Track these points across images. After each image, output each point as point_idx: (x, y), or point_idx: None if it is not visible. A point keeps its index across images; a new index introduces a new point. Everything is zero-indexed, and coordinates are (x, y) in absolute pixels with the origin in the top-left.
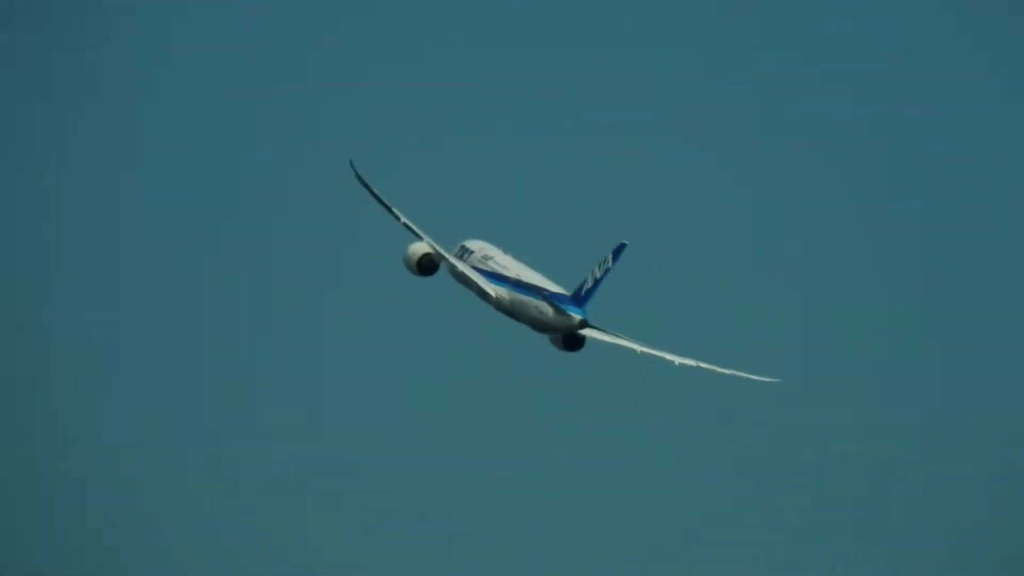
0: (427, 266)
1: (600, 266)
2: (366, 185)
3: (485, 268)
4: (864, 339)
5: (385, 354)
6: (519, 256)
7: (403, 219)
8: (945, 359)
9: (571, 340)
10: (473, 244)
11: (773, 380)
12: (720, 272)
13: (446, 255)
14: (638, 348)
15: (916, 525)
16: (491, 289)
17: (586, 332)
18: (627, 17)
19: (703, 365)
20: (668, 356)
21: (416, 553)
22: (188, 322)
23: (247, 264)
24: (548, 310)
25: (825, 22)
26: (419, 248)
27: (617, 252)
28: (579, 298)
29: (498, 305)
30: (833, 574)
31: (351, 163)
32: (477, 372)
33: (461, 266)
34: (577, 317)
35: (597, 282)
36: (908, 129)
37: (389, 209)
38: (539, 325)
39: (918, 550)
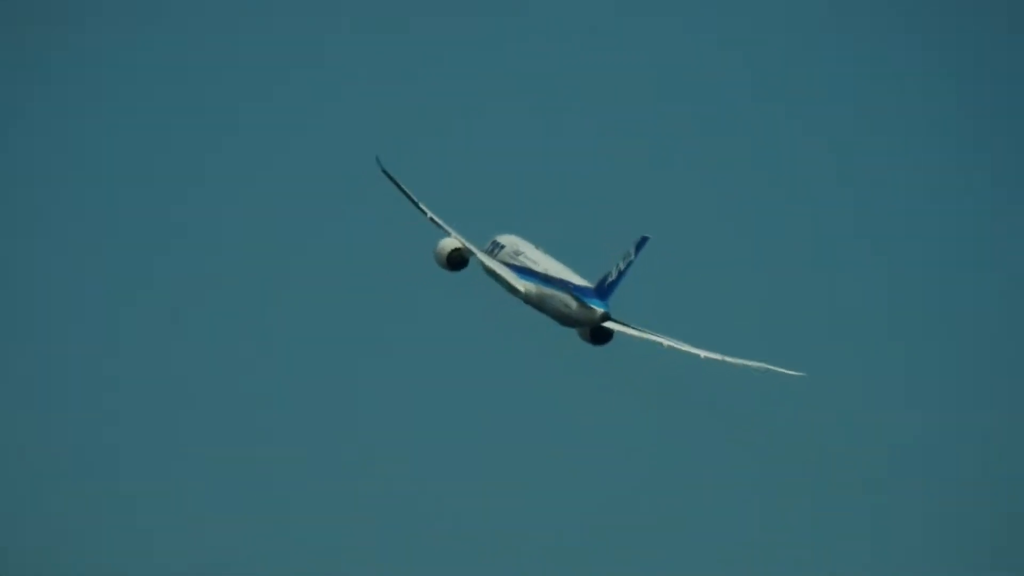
0: (457, 261)
1: (623, 259)
2: (393, 180)
3: (516, 263)
4: (885, 335)
5: (416, 348)
6: (551, 248)
7: (430, 214)
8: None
9: (599, 334)
10: (505, 239)
11: (799, 374)
12: (743, 266)
13: (475, 250)
14: (665, 342)
15: (927, 525)
16: (520, 284)
17: (610, 325)
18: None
19: (728, 359)
20: (694, 350)
21: (439, 550)
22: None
23: (274, 260)
24: (572, 303)
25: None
26: (449, 243)
27: (639, 245)
28: (602, 291)
29: (526, 299)
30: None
31: (377, 160)
32: (505, 366)
33: (489, 261)
34: (599, 310)
35: (620, 275)
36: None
37: (416, 204)
38: (564, 318)
39: (930, 551)
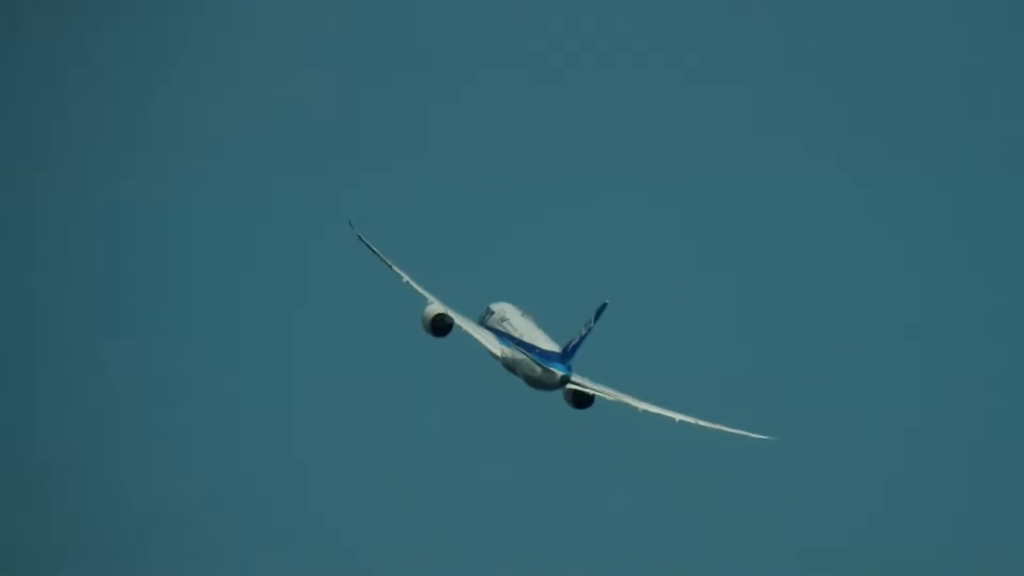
0: (441, 327)
1: (584, 326)
2: (368, 245)
3: (500, 328)
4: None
5: (403, 412)
6: (546, 308)
7: (405, 278)
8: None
9: (579, 398)
10: (496, 306)
11: (769, 438)
12: (716, 327)
13: (455, 316)
14: (639, 406)
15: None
16: (496, 349)
17: (580, 388)
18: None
19: (701, 423)
20: (669, 413)
21: None
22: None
23: (255, 317)
24: (536, 368)
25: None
26: (433, 309)
27: (599, 312)
28: (565, 356)
29: (503, 363)
30: None
31: (350, 224)
32: (483, 429)
33: (469, 327)
34: (559, 373)
35: (581, 340)
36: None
37: (391, 267)
38: (531, 381)
39: None
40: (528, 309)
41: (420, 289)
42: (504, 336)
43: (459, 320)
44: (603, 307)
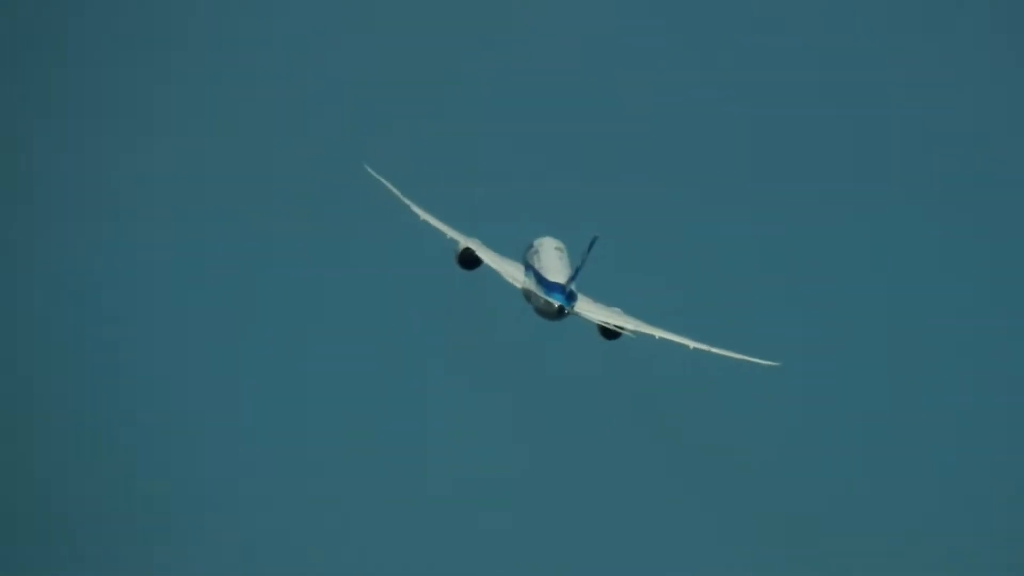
0: (469, 259)
1: (580, 258)
2: (386, 185)
3: (530, 262)
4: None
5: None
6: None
7: (423, 216)
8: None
9: (606, 331)
10: (538, 241)
11: (773, 364)
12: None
13: (478, 250)
14: (657, 334)
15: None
16: (519, 281)
17: (594, 319)
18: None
19: (714, 350)
20: (684, 340)
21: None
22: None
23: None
24: (541, 297)
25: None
26: (459, 246)
27: (591, 245)
28: (563, 287)
29: (523, 294)
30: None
31: (366, 167)
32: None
33: (491, 261)
34: (556, 303)
35: (576, 272)
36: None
37: (409, 207)
38: (539, 310)
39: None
40: (563, 243)
41: (439, 224)
42: (530, 268)
43: (483, 254)
44: (594, 240)
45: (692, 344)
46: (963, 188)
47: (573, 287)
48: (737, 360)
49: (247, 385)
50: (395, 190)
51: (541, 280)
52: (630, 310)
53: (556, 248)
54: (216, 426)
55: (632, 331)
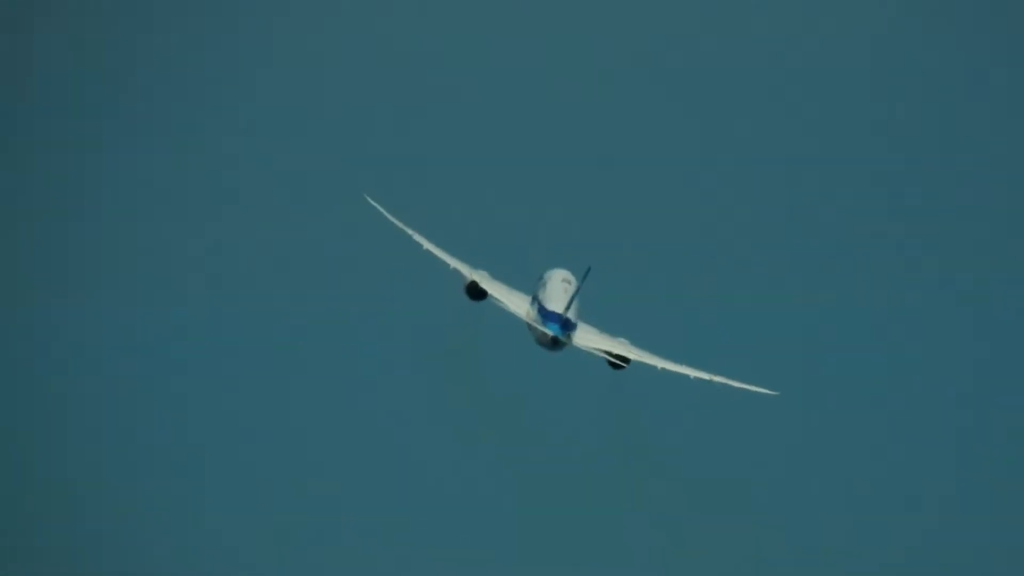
0: (475, 291)
1: (575, 288)
2: (386, 216)
3: (537, 294)
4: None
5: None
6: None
7: (426, 245)
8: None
9: (617, 359)
10: (548, 272)
11: (772, 392)
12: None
13: (482, 281)
14: (659, 364)
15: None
16: (522, 310)
17: (594, 351)
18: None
19: (716, 378)
20: (685, 370)
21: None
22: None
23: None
24: (539, 326)
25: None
26: (466, 278)
27: (584, 276)
28: (559, 317)
29: (527, 324)
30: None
31: (366, 197)
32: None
33: (498, 293)
34: (550, 333)
35: (570, 302)
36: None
37: (411, 237)
38: (537, 340)
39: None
40: (573, 276)
41: (442, 254)
42: (535, 300)
43: (488, 285)
44: (588, 271)
45: (693, 373)
46: (956, 212)
47: (570, 317)
48: (737, 389)
49: (237, 398)
50: (395, 220)
51: (541, 310)
52: (636, 340)
53: (564, 280)
54: (215, 430)
55: (617, 359)
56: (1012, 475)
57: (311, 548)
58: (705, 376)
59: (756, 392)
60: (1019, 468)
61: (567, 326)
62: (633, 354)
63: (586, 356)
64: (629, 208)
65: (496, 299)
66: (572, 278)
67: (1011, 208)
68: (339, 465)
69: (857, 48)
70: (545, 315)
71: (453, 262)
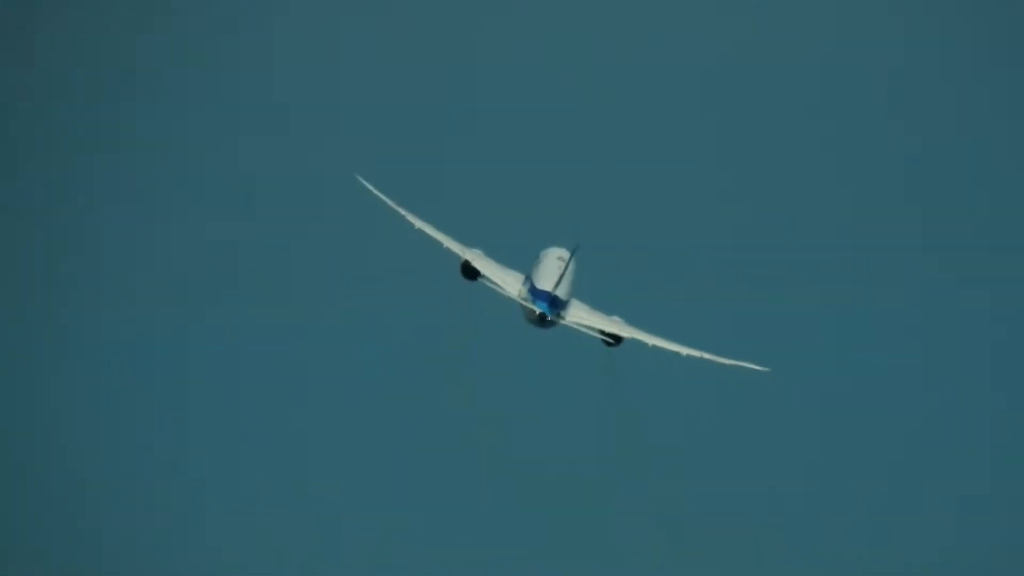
0: (470, 271)
1: (564, 265)
2: (379, 196)
3: (531, 272)
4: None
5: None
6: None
7: (418, 224)
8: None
9: (612, 337)
10: (545, 251)
11: (765, 369)
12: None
13: (474, 261)
14: (650, 341)
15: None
16: (513, 288)
17: (578, 326)
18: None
19: (706, 356)
20: (675, 347)
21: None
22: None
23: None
24: (528, 303)
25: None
26: (461, 256)
27: (572, 253)
28: (548, 295)
29: (519, 302)
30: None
31: (359, 177)
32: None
33: (488, 272)
34: (537, 310)
35: (560, 279)
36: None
37: (404, 217)
38: (527, 317)
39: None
40: (568, 254)
41: (435, 233)
42: (528, 278)
43: (480, 265)
44: (575, 249)
45: (685, 351)
46: (951, 196)
47: (560, 295)
48: (729, 366)
49: (237, 390)
50: (389, 200)
51: (532, 288)
52: (630, 318)
53: (558, 258)
54: (213, 430)
55: (609, 338)
56: (1005, 461)
57: (309, 537)
58: (696, 353)
59: (748, 368)
60: (1016, 458)
61: (555, 304)
62: (626, 332)
63: (576, 334)
64: (628, 192)
65: (487, 279)
66: (567, 255)
67: (1009, 205)
68: (337, 459)
69: (866, 44)
70: (535, 293)
71: (446, 241)
